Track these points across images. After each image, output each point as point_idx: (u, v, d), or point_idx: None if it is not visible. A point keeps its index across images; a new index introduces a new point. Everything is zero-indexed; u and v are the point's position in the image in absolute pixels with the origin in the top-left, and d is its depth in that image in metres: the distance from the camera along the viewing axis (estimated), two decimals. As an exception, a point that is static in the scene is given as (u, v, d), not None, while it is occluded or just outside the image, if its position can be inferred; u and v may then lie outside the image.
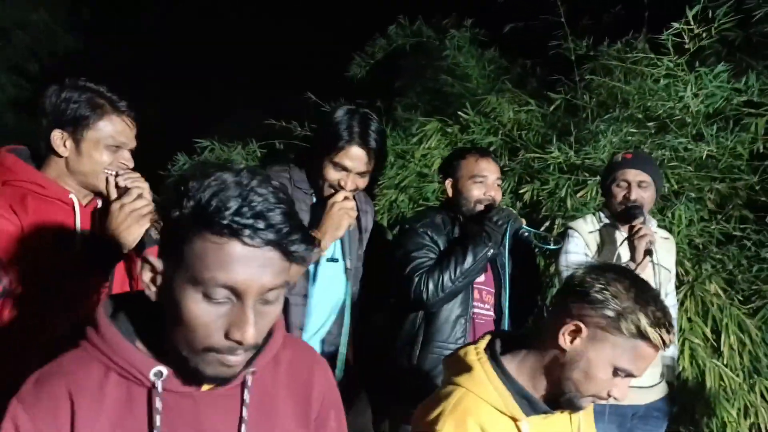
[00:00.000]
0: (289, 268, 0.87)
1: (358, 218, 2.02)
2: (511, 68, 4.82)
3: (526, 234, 2.08)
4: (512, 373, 1.28)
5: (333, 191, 1.91)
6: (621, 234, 2.31)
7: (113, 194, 1.50)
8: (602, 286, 1.20)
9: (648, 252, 2.13)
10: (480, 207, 2.14)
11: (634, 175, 2.28)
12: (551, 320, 1.27)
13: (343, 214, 1.87)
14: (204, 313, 0.83)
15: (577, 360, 1.22)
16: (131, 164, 1.55)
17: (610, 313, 1.18)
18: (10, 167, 1.50)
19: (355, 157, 1.89)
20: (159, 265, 0.87)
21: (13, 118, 6.78)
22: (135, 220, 1.45)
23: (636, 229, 2.17)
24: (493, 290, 2.16)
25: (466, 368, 1.30)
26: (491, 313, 2.13)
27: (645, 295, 1.20)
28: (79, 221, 1.52)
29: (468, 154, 2.23)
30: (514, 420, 1.25)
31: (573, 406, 1.27)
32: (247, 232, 0.79)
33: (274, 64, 7.19)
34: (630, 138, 3.46)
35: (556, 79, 4.22)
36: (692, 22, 3.13)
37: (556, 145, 3.66)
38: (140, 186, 1.50)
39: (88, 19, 7.38)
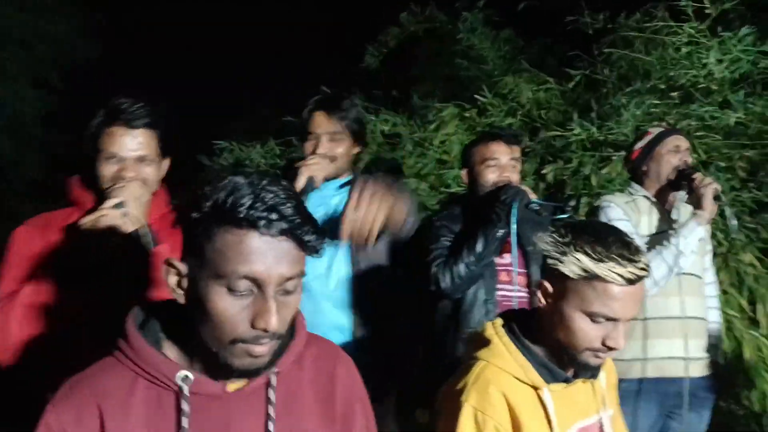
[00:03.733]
0: (303, 258, 0.92)
1: None
2: (527, 47, 4.73)
3: (537, 207, 2.02)
4: (530, 344, 1.30)
5: None
6: (673, 196, 2.32)
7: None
8: (553, 241, 1.23)
9: (717, 198, 2.15)
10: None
11: (683, 141, 2.38)
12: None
13: (302, 167, 1.89)
14: (229, 306, 0.87)
15: (555, 316, 1.24)
16: (128, 174, 1.49)
17: (559, 262, 1.21)
18: (71, 190, 1.62)
19: (320, 122, 1.99)
20: (183, 268, 0.92)
21: (41, 132, 6.83)
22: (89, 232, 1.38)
23: (700, 179, 2.19)
24: (524, 270, 2.11)
25: (485, 342, 1.32)
26: (523, 293, 2.08)
27: (585, 235, 1.20)
28: None
29: (479, 140, 2.22)
30: (535, 388, 1.26)
31: (581, 366, 1.27)
32: (262, 222, 0.85)
33: (285, 58, 7.19)
34: (654, 110, 3.38)
35: (575, 55, 4.13)
36: (713, -14, 3.04)
37: (577, 122, 3.58)
38: (115, 197, 1.44)
39: (104, 25, 7.43)
